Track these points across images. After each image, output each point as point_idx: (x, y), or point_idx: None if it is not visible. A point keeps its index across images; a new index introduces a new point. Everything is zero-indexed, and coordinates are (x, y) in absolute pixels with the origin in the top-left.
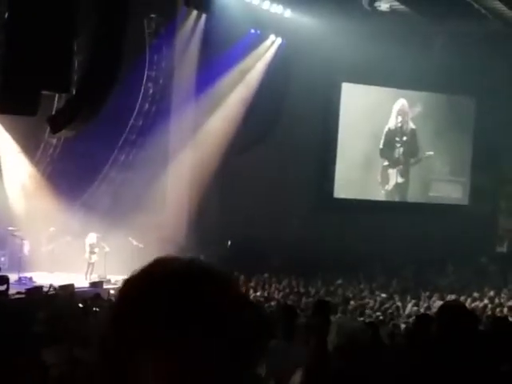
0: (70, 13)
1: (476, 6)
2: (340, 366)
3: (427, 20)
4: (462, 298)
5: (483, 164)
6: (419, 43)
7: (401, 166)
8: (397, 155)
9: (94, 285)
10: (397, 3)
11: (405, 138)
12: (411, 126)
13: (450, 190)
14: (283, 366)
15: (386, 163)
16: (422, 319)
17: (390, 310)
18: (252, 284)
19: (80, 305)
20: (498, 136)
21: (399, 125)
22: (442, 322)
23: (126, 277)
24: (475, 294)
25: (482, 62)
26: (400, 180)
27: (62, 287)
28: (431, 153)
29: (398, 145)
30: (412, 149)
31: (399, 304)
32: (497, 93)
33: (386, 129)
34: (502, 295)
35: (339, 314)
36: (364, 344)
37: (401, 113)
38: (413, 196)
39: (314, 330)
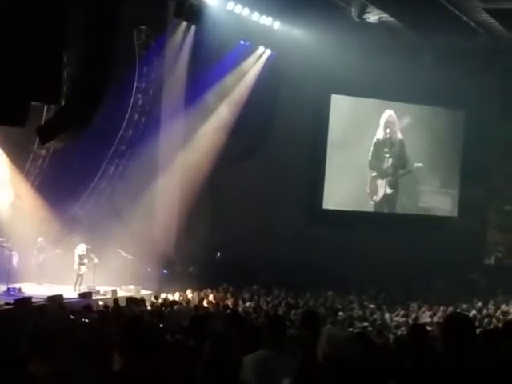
0: (60, 24)
1: (465, 19)
2: (331, 379)
3: (416, 33)
4: (451, 309)
5: (472, 176)
6: (408, 56)
7: (390, 178)
8: (385, 166)
9: (82, 296)
10: (386, 15)
11: (393, 149)
12: (400, 137)
13: (439, 202)
14: (271, 377)
15: (375, 174)
16: (416, 330)
17: (378, 321)
18: (241, 295)
19: (71, 316)
20: (486, 149)
21: (388, 136)
22: (449, 334)
23: (114, 288)
24: (464, 306)
25: (472, 76)
26: (389, 191)
27: (51, 298)
28: (420, 164)
29: (387, 155)
30: (401, 160)
31: (388, 315)
32: (486, 106)
33: (375, 140)
34: (490, 306)
35: (328, 325)
36: (355, 355)
37: (389, 124)
38: (402, 207)
39: (304, 342)
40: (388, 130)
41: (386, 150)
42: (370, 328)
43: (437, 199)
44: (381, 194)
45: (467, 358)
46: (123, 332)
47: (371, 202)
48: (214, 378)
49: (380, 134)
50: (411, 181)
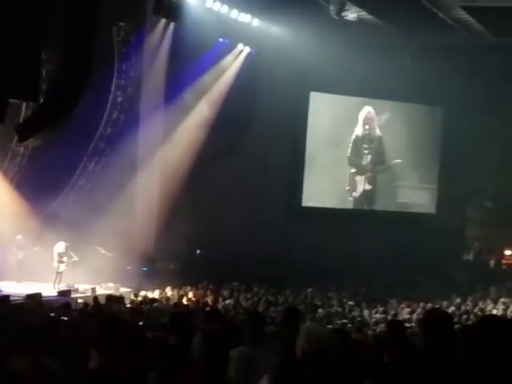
0: (39, 22)
1: (441, 15)
2: (310, 374)
3: (395, 30)
4: (430, 306)
5: (450, 172)
6: (387, 53)
7: (368, 174)
8: (364, 162)
9: (61, 294)
10: (364, 13)
11: (372, 146)
12: (378, 133)
13: (418, 198)
14: (250, 373)
15: (354, 170)
16: (394, 325)
17: (357, 318)
18: (221, 292)
19: (51, 314)
20: (465, 145)
21: (366, 132)
22: (429, 330)
23: (94, 286)
24: (443, 303)
25: (450, 73)
26: (368, 187)
27: (30, 296)
28: (399, 160)
29: (366, 151)
30: (380, 156)
31: (367, 312)
32: (464, 102)
33: (354, 136)
34: (468, 302)
35: (308, 322)
36: (334, 351)
37: (367, 120)
38: (380, 203)
39: (283, 338)
40: (367, 127)
41: (365, 146)
42: (349, 325)
43: (416, 195)
44: (360, 190)
45: (446, 354)
46: (100, 328)
47: (350, 199)
48: (207, 376)
49: (359, 131)
50: (390, 177)
